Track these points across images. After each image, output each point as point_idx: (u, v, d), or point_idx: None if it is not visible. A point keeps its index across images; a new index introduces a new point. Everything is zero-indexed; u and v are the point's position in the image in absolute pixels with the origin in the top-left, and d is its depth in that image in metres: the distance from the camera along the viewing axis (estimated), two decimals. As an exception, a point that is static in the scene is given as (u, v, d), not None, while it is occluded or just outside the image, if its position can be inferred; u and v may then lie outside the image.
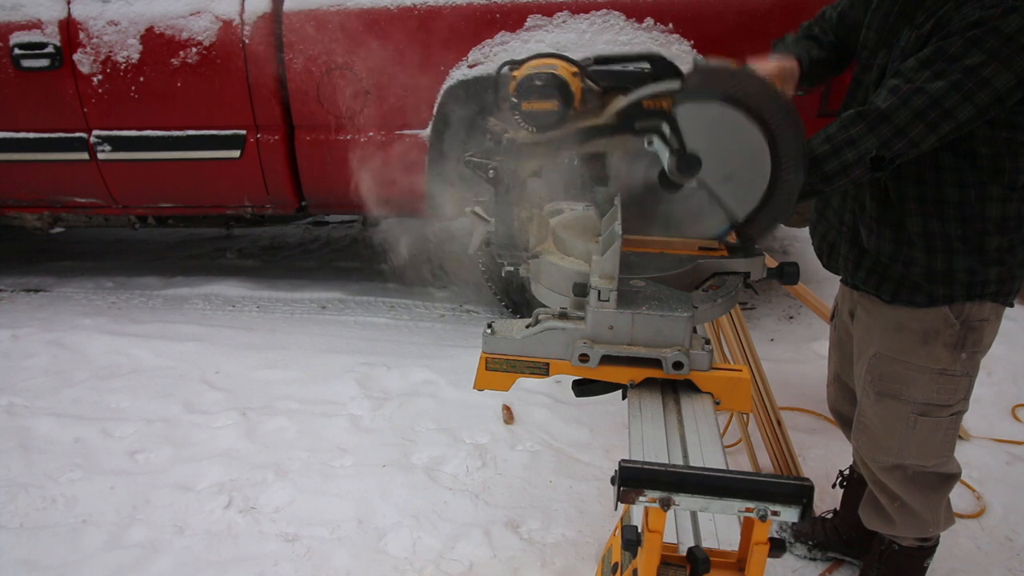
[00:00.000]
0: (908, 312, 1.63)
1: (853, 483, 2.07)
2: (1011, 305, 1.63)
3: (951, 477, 1.79)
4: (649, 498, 0.89)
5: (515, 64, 1.42)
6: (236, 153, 3.35)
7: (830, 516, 2.18)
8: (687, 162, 1.43)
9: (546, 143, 1.44)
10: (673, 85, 1.40)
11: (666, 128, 1.41)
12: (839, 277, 1.83)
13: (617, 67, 1.44)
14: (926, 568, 1.89)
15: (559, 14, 2.91)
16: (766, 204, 1.51)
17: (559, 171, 1.64)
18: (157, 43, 3.20)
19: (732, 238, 1.59)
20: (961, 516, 2.28)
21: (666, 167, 1.45)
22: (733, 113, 1.45)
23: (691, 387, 1.29)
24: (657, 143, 1.42)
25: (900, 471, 1.76)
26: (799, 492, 0.87)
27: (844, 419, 2.05)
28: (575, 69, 1.42)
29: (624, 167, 1.59)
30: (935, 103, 1.37)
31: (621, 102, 1.42)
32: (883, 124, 1.41)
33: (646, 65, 1.41)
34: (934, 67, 1.38)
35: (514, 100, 1.37)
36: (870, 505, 1.88)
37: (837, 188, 1.51)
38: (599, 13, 2.88)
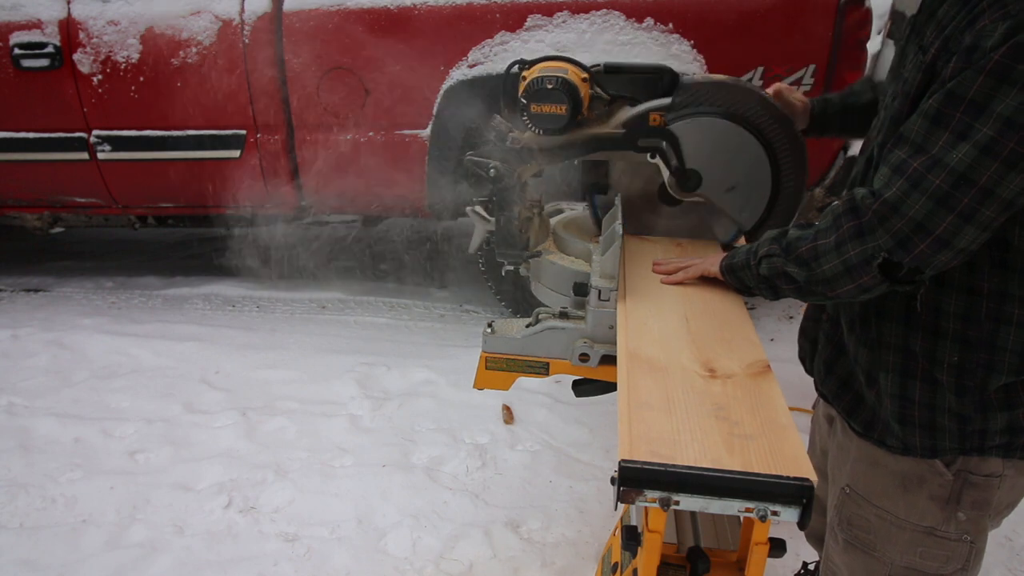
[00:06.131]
0: (884, 450, 1.23)
1: None
2: None
3: None
4: (649, 498, 0.89)
5: (525, 64, 1.42)
6: (236, 153, 3.35)
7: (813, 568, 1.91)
8: (686, 178, 1.46)
9: (551, 147, 1.44)
10: (665, 102, 1.42)
11: (665, 146, 1.42)
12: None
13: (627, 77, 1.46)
14: None
15: (559, 14, 2.91)
16: (772, 212, 1.53)
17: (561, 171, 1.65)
18: (157, 43, 3.20)
19: (742, 241, 1.60)
20: (961, 516, 2.28)
21: (666, 183, 1.47)
22: (731, 126, 1.46)
23: (691, 387, 1.29)
24: (658, 160, 1.45)
25: None
26: (799, 492, 0.87)
27: (814, 535, 1.61)
28: (585, 75, 1.41)
29: (626, 178, 1.60)
30: (963, 179, 0.95)
31: (627, 113, 1.43)
32: (894, 217, 1.01)
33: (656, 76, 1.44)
34: (951, 123, 0.95)
35: (523, 101, 1.36)
36: None
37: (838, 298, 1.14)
38: (599, 13, 2.88)
